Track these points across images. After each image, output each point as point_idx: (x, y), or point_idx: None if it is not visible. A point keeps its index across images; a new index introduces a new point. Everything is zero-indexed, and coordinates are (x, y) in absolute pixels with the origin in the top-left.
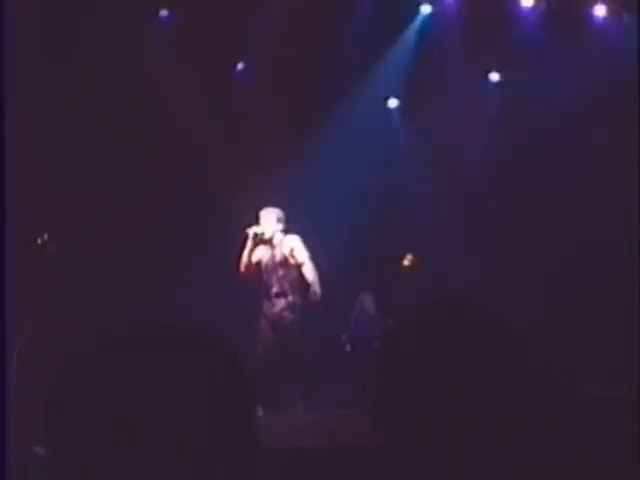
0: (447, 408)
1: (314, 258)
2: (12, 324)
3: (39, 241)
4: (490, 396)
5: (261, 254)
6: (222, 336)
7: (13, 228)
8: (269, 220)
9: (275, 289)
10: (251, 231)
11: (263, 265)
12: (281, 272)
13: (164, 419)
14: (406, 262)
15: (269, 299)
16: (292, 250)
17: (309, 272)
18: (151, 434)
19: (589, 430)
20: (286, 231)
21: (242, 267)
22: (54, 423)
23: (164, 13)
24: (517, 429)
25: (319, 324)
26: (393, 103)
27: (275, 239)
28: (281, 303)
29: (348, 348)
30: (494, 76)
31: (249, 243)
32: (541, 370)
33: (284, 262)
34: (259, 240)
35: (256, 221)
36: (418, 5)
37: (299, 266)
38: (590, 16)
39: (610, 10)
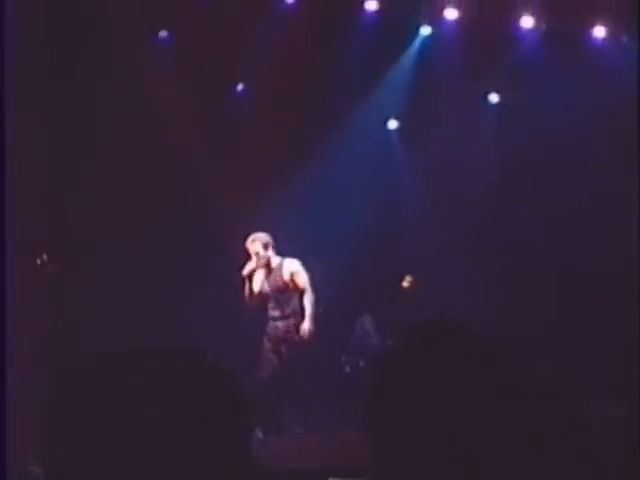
0: (437, 428)
1: (314, 281)
2: (12, 334)
3: (38, 262)
4: (479, 414)
5: (261, 280)
6: (220, 359)
7: (14, 244)
8: (257, 250)
9: (277, 313)
10: (245, 271)
11: (264, 291)
12: (282, 297)
13: (160, 439)
14: (405, 283)
15: (271, 322)
16: (292, 275)
17: (307, 302)
18: (147, 454)
19: (589, 447)
20: (282, 253)
21: (247, 301)
22: (52, 441)
23: (163, 34)
24: (508, 446)
25: (320, 346)
26: (393, 124)
27: (273, 262)
28: (283, 326)
29: (348, 369)
30: (493, 97)
31: (247, 283)
32: (531, 388)
33: (284, 287)
34: (255, 270)
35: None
36: (418, 26)
37: (300, 291)
38: (589, 37)
39: (609, 31)
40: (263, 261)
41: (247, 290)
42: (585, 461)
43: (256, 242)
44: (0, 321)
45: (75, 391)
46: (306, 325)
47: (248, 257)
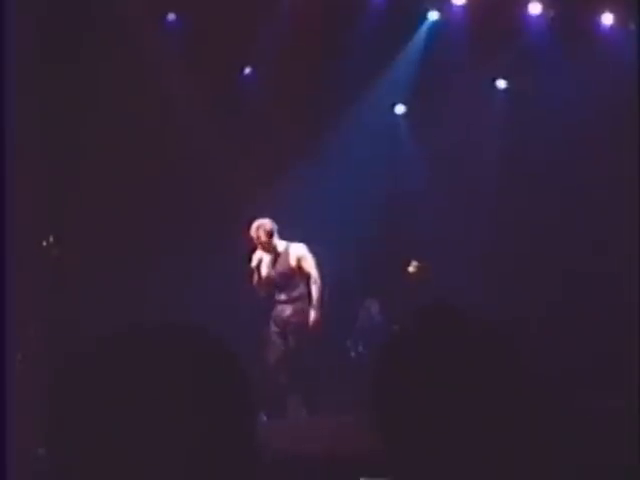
0: (442, 412)
1: (320, 265)
2: (12, 326)
3: (44, 244)
4: (483, 399)
5: (268, 266)
6: (225, 342)
7: (13, 230)
8: (262, 238)
9: (284, 297)
10: (254, 263)
11: (272, 276)
12: (289, 281)
13: (164, 422)
14: (411, 269)
15: (278, 306)
16: (299, 260)
17: (314, 287)
18: (150, 435)
19: (588, 438)
20: (288, 237)
21: (255, 287)
22: (55, 424)
23: (171, 17)
24: (513, 432)
25: (325, 330)
26: (400, 109)
27: (279, 247)
28: (290, 310)
29: (353, 354)
30: (501, 83)
31: (255, 271)
32: (534, 375)
33: (291, 272)
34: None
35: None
36: (425, 12)
37: (307, 276)
38: (597, 24)
39: (617, 19)
40: (269, 248)
41: (255, 277)
42: (585, 451)
43: (260, 229)
44: (1, 308)
45: (77, 372)
46: (312, 309)
47: (253, 244)
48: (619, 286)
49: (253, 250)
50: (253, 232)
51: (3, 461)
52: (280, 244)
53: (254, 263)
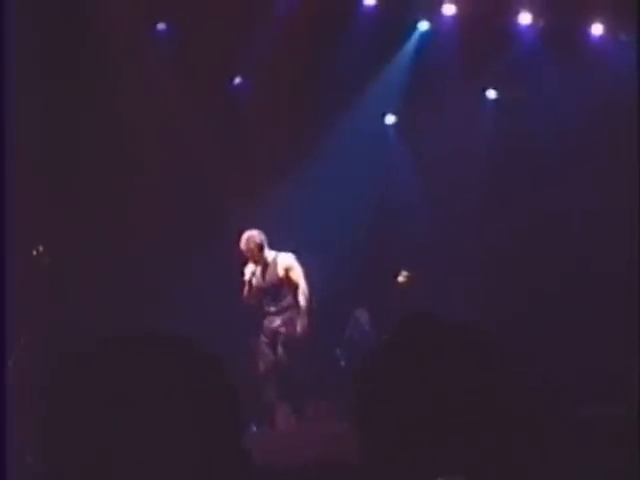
0: (427, 419)
1: (309, 275)
2: (12, 331)
3: (34, 253)
4: (469, 407)
5: (257, 277)
6: (215, 353)
7: (12, 237)
8: (252, 251)
9: (273, 308)
10: (247, 277)
11: (261, 286)
12: (277, 291)
13: (154, 431)
14: (401, 278)
15: (268, 317)
16: (287, 271)
17: (302, 297)
18: (141, 444)
19: (586, 446)
20: (278, 247)
21: (245, 297)
22: (47, 427)
23: (162, 26)
24: (505, 439)
25: (315, 340)
26: (390, 119)
27: (267, 257)
28: (279, 320)
29: (342, 363)
30: (491, 93)
31: (246, 286)
32: (526, 382)
33: (280, 283)
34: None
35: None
36: (415, 22)
37: (295, 286)
38: (587, 34)
39: (607, 29)
40: (260, 260)
41: (246, 289)
42: (585, 456)
43: (250, 242)
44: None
45: (69, 382)
46: (301, 319)
47: (242, 256)
48: (618, 291)
49: (244, 263)
50: (243, 245)
51: (3, 463)
52: (269, 255)
53: (247, 277)
